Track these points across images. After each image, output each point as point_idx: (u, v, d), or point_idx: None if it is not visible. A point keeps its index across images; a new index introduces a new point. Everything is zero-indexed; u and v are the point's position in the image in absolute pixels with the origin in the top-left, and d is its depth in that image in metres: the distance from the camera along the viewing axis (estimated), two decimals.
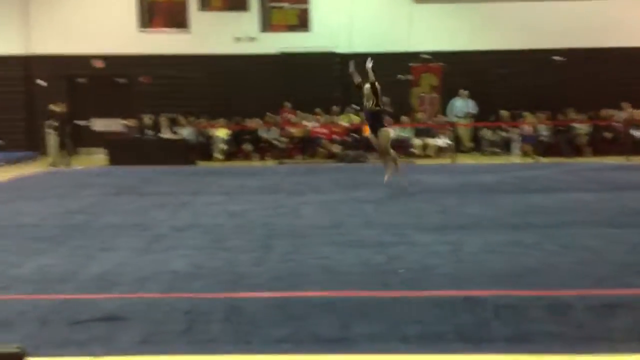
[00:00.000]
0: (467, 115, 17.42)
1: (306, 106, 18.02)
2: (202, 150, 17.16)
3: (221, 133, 17.57)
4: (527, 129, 16.68)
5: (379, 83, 10.02)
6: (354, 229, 7.20)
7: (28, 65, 19.65)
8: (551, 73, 17.67)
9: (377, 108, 10.00)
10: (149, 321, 4.35)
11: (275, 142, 17.26)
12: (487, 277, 5.23)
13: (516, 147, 16.17)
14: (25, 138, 19.63)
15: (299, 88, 18.13)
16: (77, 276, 5.25)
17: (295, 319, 4.38)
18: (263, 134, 17.49)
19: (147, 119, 17.89)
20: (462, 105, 17.46)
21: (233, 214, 8.24)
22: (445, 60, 18.02)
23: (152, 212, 8.49)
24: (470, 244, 6.35)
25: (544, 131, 16.65)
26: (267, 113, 17.91)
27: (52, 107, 16.90)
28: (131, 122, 18.16)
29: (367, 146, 14.10)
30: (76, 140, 18.41)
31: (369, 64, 9.84)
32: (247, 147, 17.28)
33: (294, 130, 17.39)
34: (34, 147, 19.70)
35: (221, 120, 18.12)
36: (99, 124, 20.01)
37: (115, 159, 16.39)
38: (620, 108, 16.88)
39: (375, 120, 10.15)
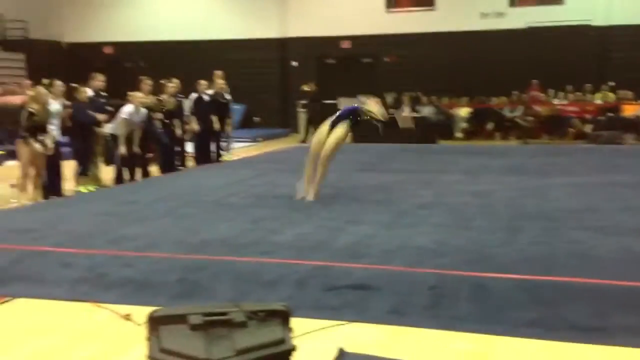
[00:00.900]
0: None
1: (555, 83, 17.08)
2: (442, 128, 17.10)
3: (462, 112, 17.34)
4: None
5: None
6: (611, 214, 6.70)
7: (283, 47, 21.03)
8: None
9: None
10: (396, 293, 4.47)
11: (519, 122, 16.62)
12: None
13: None
14: (279, 116, 21.12)
15: (548, 64, 17.22)
16: (329, 245, 5.56)
17: (545, 304, 4.20)
18: (507, 112, 16.93)
19: (390, 98, 18.23)
20: None
21: (476, 194, 8.12)
22: None
23: (394, 189, 8.68)
24: None
25: None
26: (513, 91, 17.30)
27: (304, 87, 17.94)
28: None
29: (625, 126, 13.01)
30: (324, 118, 19.39)
31: None
32: (490, 126, 16.87)
33: (540, 109, 16.60)
34: (286, 124, 21.13)
35: (463, 99, 17.89)
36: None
37: (358, 136, 16.94)
38: None
39: None
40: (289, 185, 9.07)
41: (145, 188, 9.06)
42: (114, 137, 10.00)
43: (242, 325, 2.88)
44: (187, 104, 12.21)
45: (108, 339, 3.99)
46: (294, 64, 20.95)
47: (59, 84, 9.36)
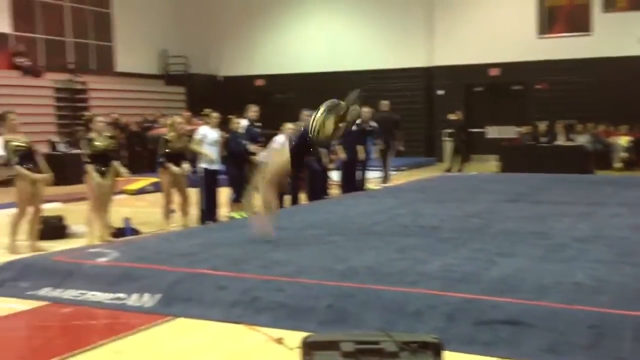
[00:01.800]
0: None
1: None
2: (600, 158, 16.23)
3: (622, 140, 16.38)
4: None
5: None
6: None
7: (429, 76, 20.99)
8: None
9: None
10: (552, 330, 4.26)
11: None
12: None
13: None
14: (424, 145, 21.01)
15: None
16: (478, 277, 5.40)
17: None
18: None
19: (542, 126, 17.58)
20: None
21: (637, 228, 7.59)
22: None
23: (549, 220, 8.32)
24: None
25: None
26: None
27: (450, 115, 17.76)
28: (525, 129, 18.06)
29: None
30: (470, 147, 19.06)
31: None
32: None
33: None
34: (431, 153, 20.98)
35: (622, 127, 16.90)
36: (493, 131, 20.40)
37: (507, 166, 16.50)
38: None
39: None
40: (435, 214, 8.98)
41: (295, 215, 9.31)
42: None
43: (393, 355, 2.89)
44: None
45: None
46: (440, 92, 20.82)
47: (215, 115, 9.89)
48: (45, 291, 5.78)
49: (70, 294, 5.68)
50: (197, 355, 4.35)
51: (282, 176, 7.00)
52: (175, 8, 23.11)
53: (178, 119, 9.20)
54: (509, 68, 19.57)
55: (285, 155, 6.80)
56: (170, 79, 22.74)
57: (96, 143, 8.37)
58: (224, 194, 10.32)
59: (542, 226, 7.89)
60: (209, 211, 9.62)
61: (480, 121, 20.39)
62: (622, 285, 5.17)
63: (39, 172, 7.99)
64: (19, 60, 18.24)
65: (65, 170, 15.66)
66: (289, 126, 10.62)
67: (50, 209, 10.93)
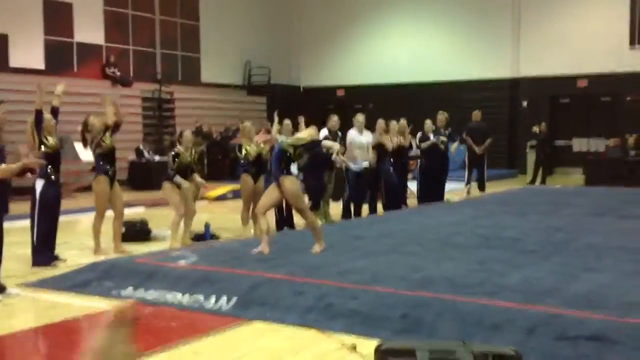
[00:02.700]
0: None
1: None
2: None
3: None
4: None
5: None
6: None
7: (514, 87, 20.55)
8: None
9: None
10: (637, 348, 4.07)
11: None
12: None
13: None
14: (507, 157, 20.55)
15: None
16: (561, 292, 5.23)
17: None
18: None
19: (631, 139, 16.90)
20: None
21: None
22: None
23: (637, 235, 7.97)
24: None
25: None
26: None
27: (534, 127, 17.31)
28: (613, 142, 17.40)
29: None
30: (554, 159, 18.51)
31: None
32: None
33: None
34: (514, 165, 20.50)
35: None
36: (579, 144, 19.75)
37: (593, 179, 15.92)
38: None
39: None
40: (517, 227, 8.76)
41: (372, 224, 9.28)
42: (346, 174, 10.44)
43: None
44: (414, 144, 12.38)
45: None
46: (525, 103, 20.36)
47: (287, 123, 9.94)
48: (128, 291, 5.97)
49: (151, 294, 5.85)
50: (273, 359, 4.39)
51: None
52: (259, 21, 23.57)
53: (188, 133, 9.02)
54: (597, 79, 18.91)
55: (250, 183, 6.79)
56: (252, 89, 23.18)
57: (184, 158, 8.59)
58: None
59: (630, 241, 7.57)
60: (282, 218, 9.73)
61: (566, 133, 19.78)
62: None
63: (113, 176, 8.10)
64: (110, 70, 19.02)
65: (150, 177, 16.21)
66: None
67: (134, 213, 11.32)
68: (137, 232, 9.10)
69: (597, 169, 16.33)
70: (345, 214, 10.66)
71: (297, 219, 10.01)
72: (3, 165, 5.77)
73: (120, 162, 15.85)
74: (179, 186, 8.51)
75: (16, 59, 17.01)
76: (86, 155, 8.37)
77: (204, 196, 13.00)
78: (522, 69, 20.37)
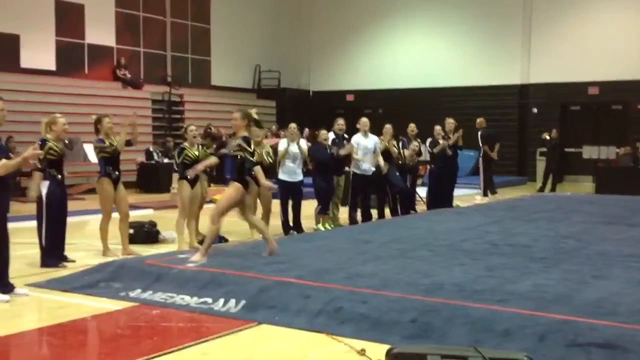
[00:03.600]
0: None
1: None
2: None
3: None
4: None
5: None
6: None
7: (523, 94, 20.49)
8: None
9: None
10: None
11: None
12: None
13: None
14: (516, 163, 20.47)
15: None
16: (572, 299, 5.18)
17: None
18: None
19: None
20: None
21: None
22: None
23: None
24: None
25: None
26: None
27: (544, 134, 17.24)
28: (624, 150, 17.31)
29: None
30: (564, 167, 18.43)
31: None
32: None
33: None
34: (523, 172, 20.42)
35: None
36: (589, 151, 19.66)
37: (603, 187, 15.85)
38: None
39: None
40: (526, 234, 8.71)
41: (381, 229, 9.25)
42: (353, 178, 10.42)
43: None
44: (423, 149, 12.36)
45: None
46: (534, 110, 20.29)
47: (292, 126, 9.92)
48: (136, 293, 5.96)
49: (159, 296, 5.83)
50: None
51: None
52: (270, 25, 23.60)
53: (192, 128, 8.96)
54: (609, 87, 18.82)
55: (237, 187, 6.75)
56: (262, 92, 23.20)
57: (189, 152, 8.58)
58: (311, 206, 10.37)
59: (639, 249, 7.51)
60: (287, 222, 9.71)
61: (576, 141, 19.69)
62: None
63: (117, 179, 8.08)
64: (121, 72, 19.07)
65: (159, 179, 16.23)
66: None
67: (142, 215, 11.32)
68: (145, 234, 9.10)
69: (608, 177, 16.24)
70: (351, 218, 10.62)
71: (305, 223, 10.00)
72: (3, 161, 5.74)
73: (129, 164, 15.99)
74: (191, 183, 8.45)
75: (27, 60, 17.08)
76: (95, 157, 8.37)
77: (212, 199, 13.00)
78: (532, 76, 20.30)
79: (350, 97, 23.54)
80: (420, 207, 12.40)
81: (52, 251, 7.35)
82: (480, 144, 14.56)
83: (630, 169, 16.28)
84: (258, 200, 9.23)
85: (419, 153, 12.19)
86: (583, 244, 7.92)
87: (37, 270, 7.10)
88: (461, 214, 11.31)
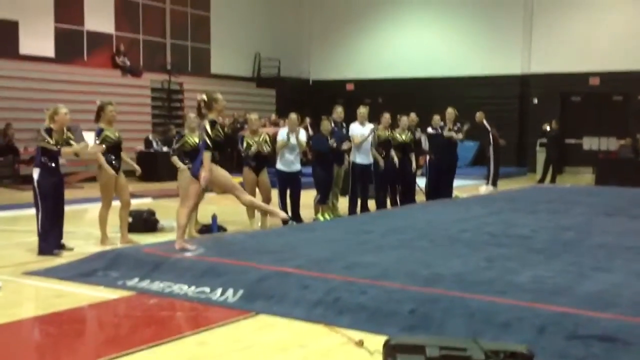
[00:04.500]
0: None
1: None
2: None
3: None
4: None
5: None
6: None
7: (524, 84, 20.41)
8: None
9: None
10: None
11: None
12: None
13: None
14: (516, 154, 20.42)
15: None
16: (572, 291, 5.15)
17: None
18: None
19: None
20: None
21: None
22: None
23: None
24: None
25: None
26: None
27: (544, 125, 17.19)
28: (625, 142, 17.27)
29: None
30: (564, 158, 18.39)
31: None
32: None
33: None
34: (523, 163, 20.37)
35: None
36: (590, 143, 19.61)
37: (604, 179, 15.82)
38: None
39: None
40: (526, 225, 8.68)
41: (380, 219, 9.22)
42: (352, 168, 10.38)
43: None
44: (423, 139, 12.30)
45: None
46: (535, 101, 20.22)
47: (293, 117, 9.83)
48: (133, 282, 5.93)
49: (157, 285, 5.81)
50: (279, 352, 4.34)
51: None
52: (270, 13, 23.49)
53: (192, 115, 8.92)
54: (610, 77, 18.75)
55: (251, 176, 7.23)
56: (261, 81, 23.11)
57: (189, 139, 8.52)
58: (310, 196, 10.34)
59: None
60: (285, 212, 9.65)
61: (577, 132, 19.63)
62: None
63: (118, 167, 8.04)
64: (120, 59, 18.98)
65: (158, 168, 16.19)
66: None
67: (141, 203, 11.29)
68: (144, 222, 9.07)
69: (608, 169, 16.20)
70: (351, 208, 10.59)
71: (305, 213, 9.97)
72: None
73: (129, 152, 15.92)
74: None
75: (26, 46, 17.00)
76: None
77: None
78: (533, 66, 20.23)
79: (350, 86, 23.47)
80: (420, 197, 12.37)
81: (48, 239, 7.31)
82: (490, 133, 14.58)
83: (631, 161, 16.24)
84: (257, 189, 9.21)
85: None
86: (583, 236, 7.88)
87: (35, 258, 7.08)
88: (461, 204, 11.28)
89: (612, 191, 13.70)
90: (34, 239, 7.42)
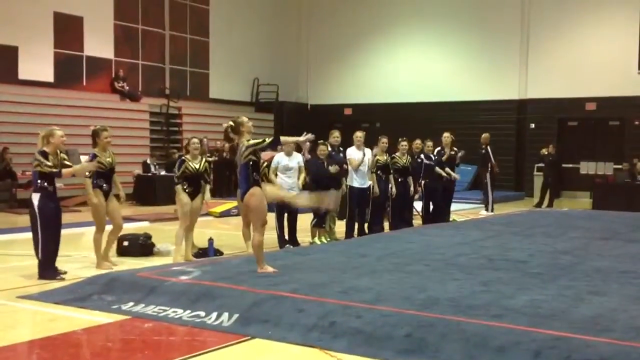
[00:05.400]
0: None
1: None
2: None
3: None
4: None
5: None
6: None
7: (521, 109, 20.52)
8: None
9: None
10: None
11: None
12: None
13: None
14: (514, 179, 20.46)
15: None
16: (567, 315, 5.14)
17: None
18: None
19: None
20: None
21: None
22: None
23: None
24: None
25: None
26: None
27: (543, 150, 17.24)
28: (623, 166, 17.32)
29: None
30: (561, 182, 18.42)
31: None
32: None
33: None
34: (520, 187, 20.40)
35: None
36: (586, 167, 19.66)
37: (601, 204, 15.84)
38: None
39: None
40: (523, 249, 8.68)
41: (377, 242, 9.21)
42: (349, 191, 10.40)
43: None
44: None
45: None
46: (532, 126, 20.32)
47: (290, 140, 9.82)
48: (128, 306, 5.91)
49: (152, 309, 5.78)
50: None
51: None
52: (268, 39, 23.67)
53: (195, 140, 8.91)
54: (606, 103, 18.86)
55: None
56: (260, 106, 23.21)
57: (190, 165, 8.55)
58: (306, 219, 10.33)
59: (637, 265, 7.47)
60: (282, 235, 9.66)
61: (574, 157, 19.69)
62: None
63: (108, 192, 8.07)
64: (119, 84, 19.08)
65: (156, 191, 16.18)
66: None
67: (138, 227, 11.27)
68: (140, 246, 9.04)
69: (605, 193, 16.23)
70: (348, 232, 10.58)
71: (302, 237, 9.95)
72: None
73: (127, 176, 15.95)
74: (191, 195, 8.44)
75: (25, 72, 17.10)
76: None
77: (209, 212, 12.96)
78: (530, 91, 20.35)
79: (348, 111, 23.57)
80: (417, 221, 12.36)
81: (50, 264, 7.28)
82: (492, 159, 14.68)
83: (628, 185, 16.28)
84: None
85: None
86: (580, 260, 7.88)
87: (31, 282, 7.05)
88: (457, 228, 11.27)
89: (608, 215, 13.71)
90: (28, 263, 7.40)
